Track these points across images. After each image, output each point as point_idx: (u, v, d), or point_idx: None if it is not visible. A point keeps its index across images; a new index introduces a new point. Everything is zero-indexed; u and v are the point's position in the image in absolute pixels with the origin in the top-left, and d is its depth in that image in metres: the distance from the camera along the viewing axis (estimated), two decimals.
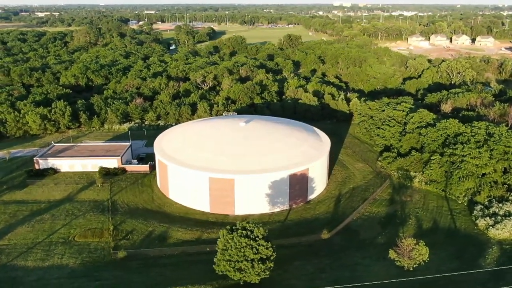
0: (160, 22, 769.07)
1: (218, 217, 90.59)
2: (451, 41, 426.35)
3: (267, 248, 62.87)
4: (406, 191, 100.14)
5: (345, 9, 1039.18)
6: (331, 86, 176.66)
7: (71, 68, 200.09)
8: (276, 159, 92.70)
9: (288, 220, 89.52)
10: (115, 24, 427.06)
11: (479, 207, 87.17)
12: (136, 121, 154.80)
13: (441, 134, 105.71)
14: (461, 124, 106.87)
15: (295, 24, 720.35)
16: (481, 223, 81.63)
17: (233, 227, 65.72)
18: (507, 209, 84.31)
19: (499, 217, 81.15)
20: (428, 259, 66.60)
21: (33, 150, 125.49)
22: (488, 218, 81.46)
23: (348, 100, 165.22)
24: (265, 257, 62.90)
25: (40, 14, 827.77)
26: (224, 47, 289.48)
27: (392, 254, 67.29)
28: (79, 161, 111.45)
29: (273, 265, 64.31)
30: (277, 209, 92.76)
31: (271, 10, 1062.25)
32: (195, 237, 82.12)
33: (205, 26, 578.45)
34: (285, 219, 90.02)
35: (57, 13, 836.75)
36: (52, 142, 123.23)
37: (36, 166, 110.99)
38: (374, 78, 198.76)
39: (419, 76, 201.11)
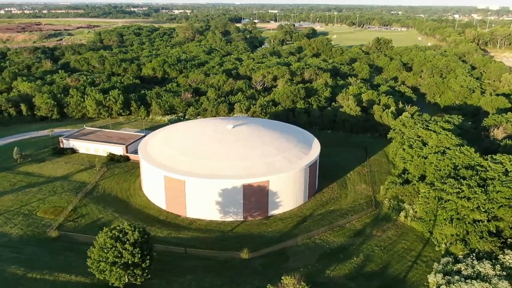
0: (273, 21, 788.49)
1: (170, 216, 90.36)
2: None
3: (132, 254, 60.84)
4: (384, 225, 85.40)
5: (489, 13, 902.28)
6: (389, 96, 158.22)
7: (152, 61, 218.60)
8: (232, 166, 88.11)
9: (232, 232, 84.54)
10: (222, 22, 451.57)
11: (446, 259, 69.55)
12: (179, 114, 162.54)
13: (447, 164, 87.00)
14: (477, 154, 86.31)
15: (411, 27, 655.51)
16: (432, 279, 65.15)
17: (117, 227, 65.20)
18: (481, 269, 65.28)
19: (457, 277, 63.55)
20: None
21: (76, 130, 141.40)
22: (441, 275, 64.57)
23: (399, 114, 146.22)
24: (130, 262, 61.01)
25: (176, 12, 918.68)
26: (307, 48, 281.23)
27: None
28: (93, 145, 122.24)
29: (141, 272, 61.97)
30: (229, 219, 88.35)
31: (399, 12, 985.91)
32: None
33: (310, 26, 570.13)
34: (230, 230, 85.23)
35: (189, 11, 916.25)
36: (84, 126, 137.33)
37: (61, 145, 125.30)
38: (454, 91, 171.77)
39: None
